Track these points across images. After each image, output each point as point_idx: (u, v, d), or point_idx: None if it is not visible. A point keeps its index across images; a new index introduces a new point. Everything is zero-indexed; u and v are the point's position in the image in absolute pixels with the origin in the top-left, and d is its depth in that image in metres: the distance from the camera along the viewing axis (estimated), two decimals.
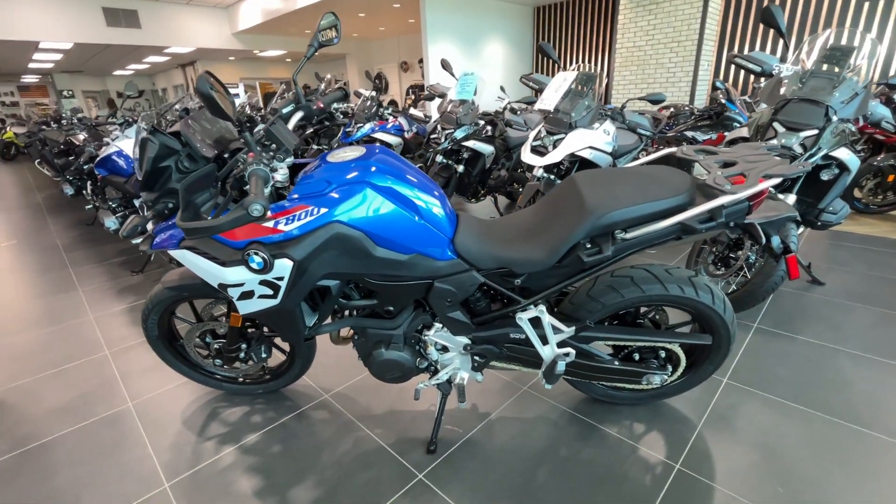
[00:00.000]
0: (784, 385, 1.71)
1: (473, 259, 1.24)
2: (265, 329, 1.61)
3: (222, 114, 0.92)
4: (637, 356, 1.46)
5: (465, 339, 1.37)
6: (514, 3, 9.15)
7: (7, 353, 2.20)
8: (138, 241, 2.57)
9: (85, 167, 3.77)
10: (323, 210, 1.11)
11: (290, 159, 1.22)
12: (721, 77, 7.16)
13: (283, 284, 1.15)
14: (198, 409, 1.73)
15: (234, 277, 1.16)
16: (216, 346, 1.62)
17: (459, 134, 3.45)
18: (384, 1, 8.59)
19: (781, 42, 6.54)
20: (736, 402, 1.63)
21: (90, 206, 3.94)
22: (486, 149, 3.56)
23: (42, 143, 5.20)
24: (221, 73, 14.15)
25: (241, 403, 1.75)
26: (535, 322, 1.30)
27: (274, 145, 1.17)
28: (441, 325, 1.36)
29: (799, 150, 1.93)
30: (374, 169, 1.16)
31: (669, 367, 1.43)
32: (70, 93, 14.99)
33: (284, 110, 1.27)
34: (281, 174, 1.19)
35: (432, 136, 3.80)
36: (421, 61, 10.23)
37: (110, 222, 3.13)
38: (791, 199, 2.08)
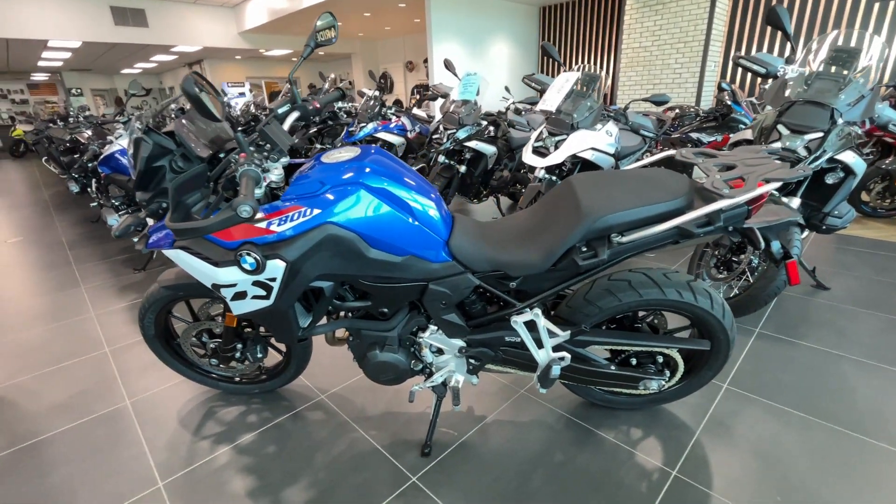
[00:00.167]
0: (785, 391, 1.69)
1: (468, 261, 1.23)
2: (261, 329, 1.61)
3: (210, 114, 0.91)
4: (634, 361, 1.44)
5: (460, 342, 1.36)
6: (520, 2, 9.12)
7: (10, 349, 2.21)
8: (137, 240, 2.58)
9: (89, 165, 3.80)
10: (316, 211, 1.10)
11: (284, 159, 1.21)
12: (728, 78, 7.09)
13: (275, 285, 1.14)
14: (194, 408, 1.73)
15: (227, 278, 1.15)
16: (212, 345, 1.62)
17: (462, 134, 3.44)
18: (389, 1, 8.59)
19: (788, 43, 6.49)
20: (736, 409, 1.61)
21: (95, 204, 3.97)
22: (489, 149, 3.55)
23: (49, 141, 5.24)
24: (228, 72, 14.22)
25: (238, 403, 1.75)
26: (531, 325, 1.29)
27: (268, 145, 1.16)
28: (436, 328, 1.35)
29: (803, 152, 1.91)
30: (368, 170, 1.15)
31: (667, 373, 1.42)
32: (79, 91, 15.13)
33: (280, 110, 1.26)
34: (276, 174, 1.18)
35: (434, 137, 3.79)
36: (426, 61, 10.23)
37: (113, 220, 3.15)
38: (795, 202, 2.05)
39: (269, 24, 10.01)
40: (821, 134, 1.88)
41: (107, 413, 1.73)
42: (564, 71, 2.80)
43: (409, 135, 4.55)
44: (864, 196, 3.66)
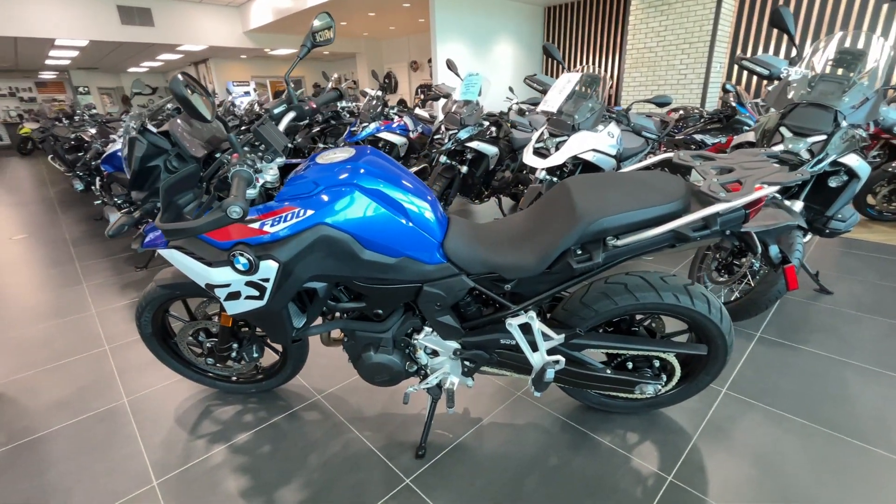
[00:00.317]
0: (786, 397, 1.67)
1: (463, 263, 1.22)
2: (257, 329, 1.61)
3: (198, 115, 0.91)
4: (631, 365, 1.43)
5: (454, 344, 1.36)
6: (525, 3, 9.10)
7: (11, 346, 2.23)
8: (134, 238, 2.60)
9: (92, 163, 3.82)
10: (310, 212, 1.10)
11: (280, 160, 1.21)
12: (734, 80, 7.04)
13: (268, 286, 1.14)
14: (191, 407, 1.73)
15: (220, 278, 1.15)
16: (209, 344, 1.62)
17: (463, 135, 3.43)
18: (394, 0, 8.60)
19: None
20: (734, 414, 1.59)
21: (98, 202, 4.00)
22: (490, 150, 3.54)
23: (54, 139, 5.29)
24: (233, 72, 14.29)
25: (234, 402, 1.75)
26: (526, 328, 1.28)
27: (263, 146, 1.16)
28: (431, 330, 1.35)
29: (806, 155, 1.89)
30: (363, 171, 1.15)
31: (663, 377, 1.40)
32: (86, 89, 15.24)
33: (276, 111, 1.26)
34: (271, 175, 1.18)
35: (436, 137, 3.79)
36: (430, 61, 10.22)
37: (115, 218, 3.16)
38: (798, 205, 2.03)
39: (274, 24, 10.05)
40: (824, 136, 1.86)
41: (104, 411, 1.73)
42: (566, 72, 2.78)
43: (412, 135, 4.55)
44: (870, 199, 3.61)
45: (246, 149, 1.12)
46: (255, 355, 1.62)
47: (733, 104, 3.82)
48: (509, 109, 4.44)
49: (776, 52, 6.68)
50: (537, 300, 1.26)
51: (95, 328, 2.38)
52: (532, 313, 1.25)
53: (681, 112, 4.62)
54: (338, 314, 1.43)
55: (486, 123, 3.64)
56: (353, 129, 4.39)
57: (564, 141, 2.56)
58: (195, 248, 1.15)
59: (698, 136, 3.84)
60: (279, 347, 2.10)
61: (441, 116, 3.73)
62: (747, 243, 1.10)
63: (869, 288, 2.50)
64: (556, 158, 2.51)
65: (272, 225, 1.10)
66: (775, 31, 6.61)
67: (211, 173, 1.14)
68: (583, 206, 1.11)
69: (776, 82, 2.13)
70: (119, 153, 2.94)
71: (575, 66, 9.33)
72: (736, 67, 7.00)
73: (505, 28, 8.97)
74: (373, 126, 4.32)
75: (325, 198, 1.11)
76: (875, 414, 1.57)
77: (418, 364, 1.42)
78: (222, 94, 11.54)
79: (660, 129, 3.16)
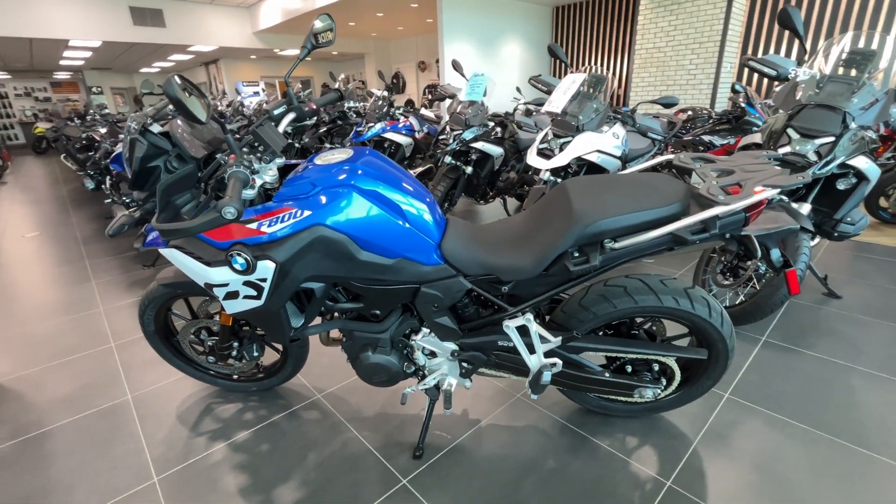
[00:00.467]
0: (789, 403, 1.64)
1: (461, 265, 1.22)
2: (257, 328, 1.62)
3: (192, 117, 0.92)
4: (630, 368, 1.42)
5: (452, 345, 1.35)
6: (533, 3, 9.06)
7: (20, 342, 2.27)
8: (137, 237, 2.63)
9: (102, 163, 3.88)
10: (307, 212, 1.11)
11: (279, 160, 1.22)
12: (744, 80, 6.95)
13: (266, 286, 1.15)
14: (193, 405, 1.75)
15: (218, 277, 1.16)
16: (210, 342, 1.64)
17: (468, 135, 3.42)
18: (402, 1, 8.61)
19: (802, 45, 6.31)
20: (736, 419, 1.57)
21: (109, 201, 4.05)
22: (495, 150, 3.53)
23: (66, 138, 5.37)
24: (243, 72, 14.41)
25: (236, 400, 1.77)
26: (523, 330, 1.27)
27: (261, 147, 1.17)
28: (428, 331, 1.35)
29: (813, 157, 1.85)
30: (360, 172, 1.15)
31: (663, 381, 1.39)
32: (99, 89, 15.47)
33: (275, 112, 1.27)
34: (270, 175, 1.19)
35: (441, 137, 3.79)
36: (438, 61, 10.23)
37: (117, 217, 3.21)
38: (806, 208, 1.99)
39: (284, 24, 10.12)
40: (832, 138, 1.82)
41: (108, 407, 1.76)
42: (571, 72, 2.77)
43: (417, 135, 4.56)
44: (883, 202, 3.55)
45: (245, 150, 1.13)
46: (256, 354, 1.63)
47: (743, 105, 3.77)
48: (515, 110, 4.43)
49: (788, 53, 6.58)
50: (535, 302, 1.25)
51: (102, 325, 2.41)
52: (529, 315, 1.25)
53: (689, 113, 4.56)
54: (336, 314, 1.43)
55: (491, 124, 3.63)
56: (359, 129, 4.41)
57: (568, 142, 2.54)
58: (194, 247, 1.16)
59: (706, 138, 3.79)
60: (279, 346, 2.11)
61: (446, 117, 3.74)
62: (747, 247, 1.08)
63: (879, 292, 2.45)
64: (560, 159, 2.50)
65: (269, 225, 1.11)
66: (787, 31, 6.52)
67: (209, 174, 1.15)
68: (580, 208, 1.10)
69: (784, 83, 2.09)
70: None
71: (582, 66, 9.28)
72: (746, 67, 6.91)
73: (513, 28, 8.95)
74: (378, 126, 4.34)
75: (323, 199, 1.11)
76: (881, 421, 1.54)
77: (416, 365, 1.42)
78: (231, 95, 11.65)
79: (667, 130, 3.13)
